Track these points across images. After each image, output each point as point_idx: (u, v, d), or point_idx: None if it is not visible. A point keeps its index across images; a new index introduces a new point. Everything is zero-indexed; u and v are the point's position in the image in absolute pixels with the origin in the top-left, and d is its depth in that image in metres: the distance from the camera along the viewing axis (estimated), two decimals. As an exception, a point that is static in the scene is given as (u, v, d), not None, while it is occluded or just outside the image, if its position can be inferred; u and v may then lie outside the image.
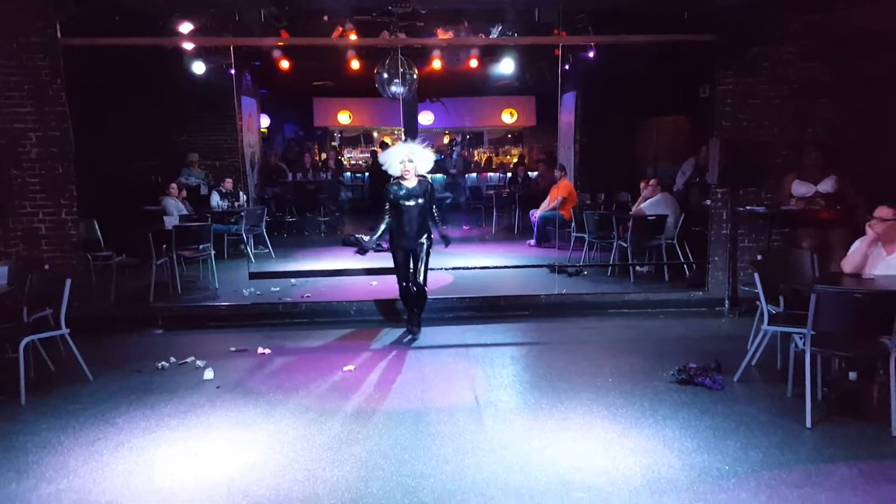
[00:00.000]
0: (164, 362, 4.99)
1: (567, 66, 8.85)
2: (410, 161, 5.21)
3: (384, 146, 12.70)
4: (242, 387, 4.54)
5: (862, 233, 4.30)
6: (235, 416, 4.04)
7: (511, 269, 7.57)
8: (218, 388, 4.52)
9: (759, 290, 4.40)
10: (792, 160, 6.21)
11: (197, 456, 3.54)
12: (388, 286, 6.05)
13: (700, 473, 3.26)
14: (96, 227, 7.13)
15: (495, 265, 7.68)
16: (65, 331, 4.57)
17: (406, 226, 5.27)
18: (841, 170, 5.93)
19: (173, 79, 8.94)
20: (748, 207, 6.27)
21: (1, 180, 5.95)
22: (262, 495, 3.13)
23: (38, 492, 3.20)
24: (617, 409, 4.02)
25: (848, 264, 4.29)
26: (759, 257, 6.02)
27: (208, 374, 4.73)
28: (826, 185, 5.91)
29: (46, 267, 5.82)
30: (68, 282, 4.54)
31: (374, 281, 6.98)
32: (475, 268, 7.32)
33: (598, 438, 3.65)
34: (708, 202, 6.63)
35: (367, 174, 13.08)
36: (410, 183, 5.25)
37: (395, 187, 5.25)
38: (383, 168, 5.35)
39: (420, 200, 5.25)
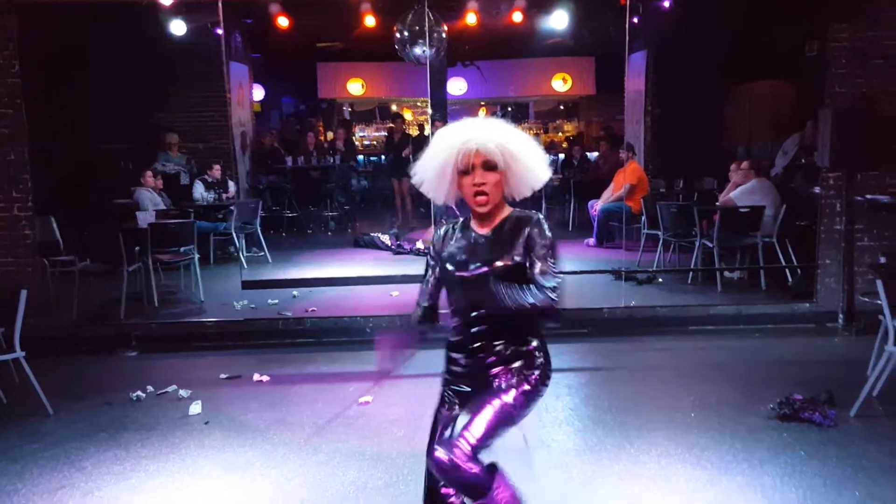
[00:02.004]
0: (139, 392, 5.10)
1: (636, 19, 8.79)
2: (491, 167, 2.48)
3: (398, 119, 12.72)
4: (236, 422, 4.63)
5: None
6: (228, 459, 4.13)
7: (565, 276, 7.57)
8: (206, 423, 4.62)
9: (883, 301, 4.36)
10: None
11: (183, 506, 3.64)
12: (413, 297, 6.07)
13: (808, 535, 3.25)
14: (54, 225, 7.31)
15: (545, 271, 7.68)
16: (19, 354, 4.68)
17: (467, 324, 2.66)
18: None
19: (147, 42, 9.11)
20: (868, 196, 6.19)
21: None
22: (263, 554, 3.22)
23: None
24: (701, 452, 4.01)
25: None
26: (882, 259, 5.98)
27: (194, 407, 4.82)
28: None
29: (-4, 275, 6.01)
30: (24, 293, 4.66)
31: (395, 291, 7.04)
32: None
33: (679, 489, 3.65)
34: (816, 190, 6.57)
35: (383, 157, 13.19)
36: (483, 222, 2.60)
37: (447, 231, 2.71)
38: (413, 180, 2.66)
39: (498, 263, 2.55)
